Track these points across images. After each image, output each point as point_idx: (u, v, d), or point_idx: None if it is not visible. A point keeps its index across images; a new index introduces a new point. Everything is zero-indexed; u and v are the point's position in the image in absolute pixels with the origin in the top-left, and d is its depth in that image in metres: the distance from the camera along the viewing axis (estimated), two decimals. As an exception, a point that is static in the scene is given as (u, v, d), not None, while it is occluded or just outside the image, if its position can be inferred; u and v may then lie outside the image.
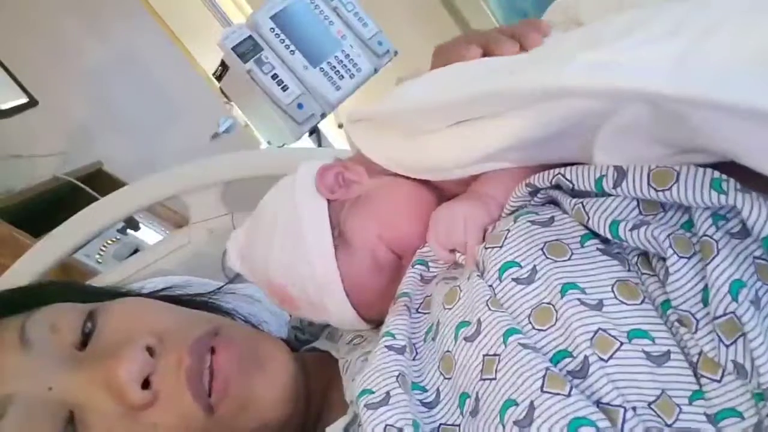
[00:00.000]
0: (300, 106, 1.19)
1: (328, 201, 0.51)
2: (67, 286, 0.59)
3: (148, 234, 1.56)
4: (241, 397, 0.44)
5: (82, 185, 1.47)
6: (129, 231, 1.48)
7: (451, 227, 0.46)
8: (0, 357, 0.42)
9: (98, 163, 1.68)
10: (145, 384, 0.41)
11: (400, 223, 0.50)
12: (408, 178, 0.51)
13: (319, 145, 1.46)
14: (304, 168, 0.55)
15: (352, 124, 0.53)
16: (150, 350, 0.43)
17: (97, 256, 1.35)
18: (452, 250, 0.46)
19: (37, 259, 0.87)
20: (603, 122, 0.37)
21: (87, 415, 0.41)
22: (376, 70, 1.30)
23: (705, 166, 0.36)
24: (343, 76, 1.25)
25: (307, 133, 1.32)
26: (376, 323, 0.52)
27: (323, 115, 1.26)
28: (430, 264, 0.48)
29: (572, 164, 0.42)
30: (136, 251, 1.47)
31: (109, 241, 1.42)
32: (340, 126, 1.70)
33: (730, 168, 0.35)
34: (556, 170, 0.42)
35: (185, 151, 2.03)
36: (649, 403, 0.33)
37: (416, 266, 0.48)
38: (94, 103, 1.92)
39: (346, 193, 0.52)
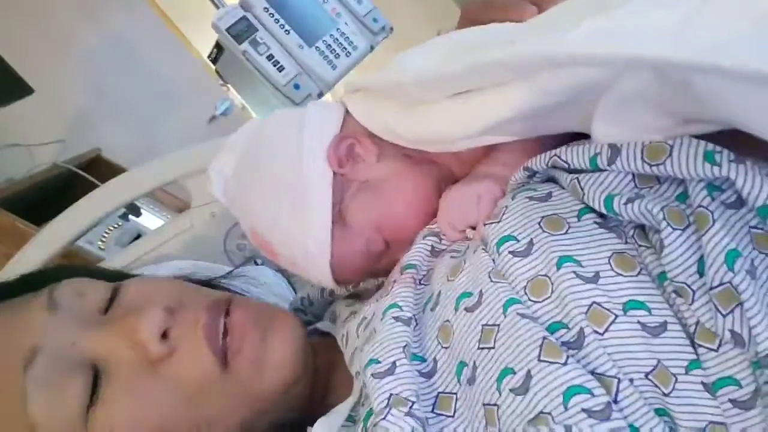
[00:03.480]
0: (296, 86, 1.18)
1: (334, 173, 0.51)
2: (86, 268, 0.61)
3: (149, 219, 1.56)
4: (255, 356, 0.45)
5: (82, 172, 1.46)
6: (131, 217, 1.49)
7: (464, 208, 0.46)
8: (29, 316, 0.44)
9: (97, 149, 1.68)
10: (164, 338, 0.43)
11: (401, 218, 0.51)
12: (413, 166, 0.51)
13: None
14: (312, 115, 0.53)
15: (350, 94, 0.52)
16: (169, 310, 0.44)
17: (100, 243, 1.35)
18: (463, 231, 0.47)
19: (40, 248, 0.87)
20: (606, 91, 0.37)
21: (109, 367, 0.42)
22: (372, 48, 1.29)
23: (701, 137, 0.35)
24: (339, 55, 1.23)
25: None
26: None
27: (320, 95, 1.25)
28: (442, 237, 0.49)
29: (573, 138, 0.42)
30: (138, 237, 1.48)
31: (111, 228, 1.42)
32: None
33: (729, 139, 0.34)
34: (552, 152, 0.42)
35: (183, 135, 2.03)
36: (647, 374, 0.33)
37: (427, 238, 0.48)
38: (90, 90, 1.91)
39: (352, 170, 0.51)
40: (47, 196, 1.42)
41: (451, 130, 0.44)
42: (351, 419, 0.42)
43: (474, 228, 0.46)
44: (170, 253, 0.95)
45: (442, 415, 0.37)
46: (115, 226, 1.42)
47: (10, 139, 1.55)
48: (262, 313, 0.48)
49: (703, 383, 0.32)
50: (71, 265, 0.65)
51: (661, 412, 0.33)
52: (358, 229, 0.50)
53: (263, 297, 0.68)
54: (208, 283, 0.61)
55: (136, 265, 0.91)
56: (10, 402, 0.40)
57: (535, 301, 0.37)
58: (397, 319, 0.41)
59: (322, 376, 0.52)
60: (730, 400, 0.31)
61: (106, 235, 1.38)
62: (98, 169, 1.55)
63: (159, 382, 0.42)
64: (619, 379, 0.33)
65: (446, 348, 0.39)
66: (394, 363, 0.38)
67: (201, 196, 0.97)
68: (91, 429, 0.40)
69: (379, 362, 0.38)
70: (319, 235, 0.49)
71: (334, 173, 0.51)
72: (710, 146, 0.35)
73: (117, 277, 0.54)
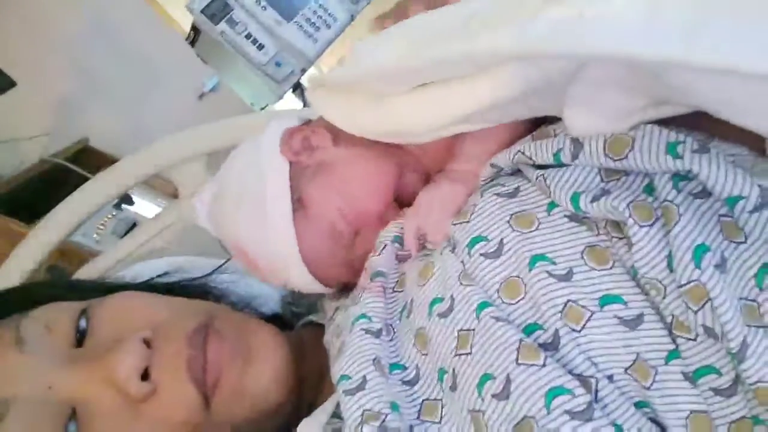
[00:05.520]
0: (278, 64, 1.16)
1: (291, 164, 0.50)
2: (56, 284, 0.60)
3: (143, 206, 1.56)
4: (234, 388, 0.44)
5: (71, 165, 1.45)
6: (124, 206, 1.48)
7: (437, 215, 0.45)
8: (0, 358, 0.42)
9: (84, 139, 1.66)
10: (145, 376, 0.42)
11: (361, 199, 0.49)
12: (372, 147, 0.50)
13: (303, 102, 1.43)
14: (272, 128, 0.53)
15: (314, 90, 0.51)
16: (146, 342, 0.43)
17: (95, 236, 1.35)
18: (421, 240, 0.46)
19: (35, 246, 0.86)
20: (573, 78, 0.36)
21: (89, 411, 0.41)
22: (352, 17, 1.26)
23: (668, 121, 0.35)
24: (319, 28, 1.20)
25: (291, 90, 1.29)
26: (339, 287, 0.53)
27: (303, 71, 1.23)
28: (404, 242, 0.47)
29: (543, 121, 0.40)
30: (134, 225, 1.47)
31: (106, 218, 1.42)
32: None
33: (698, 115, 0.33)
34: (516, 148, 0.41)
35: (173, 115, 2.00)
36: (626, 369, 0.33)
37: (392, 244, 0.47)
38: (73, 77, 1.88)
39: (309, 158, 0.51)
40: (37, 192, 1.41)
41: (417, 124, 0.42)
42: (338, 416, 0.42)
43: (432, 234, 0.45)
44: (166, 242, 0.94)
45: (428, 421, 0.37)
46: (109, 216, 1.42)
47: (-3, 135, 1.53)
48: (241, 336, 0.47)
49: (683, 373, 0.32)
50: (41, 282, 0.64)
51: (641, 405, 0.32)
52: (319, 214, 0.49)
53: (253, 288, 0.67)
54: (191, 287, 0.60)
55: (131, 261, 0.90)
56: None
57: (509, 304, 0.36)
58: (366, 331, 0.41)
59: (316, 369, 0.51)
60: (711, 389, 0.31)
61: (101, 227, 1.37)
62: (87, 159, 1.53)
63: (142, 423, 0.42)
64: (596, 379, 0.32)
65: (425, 355, 0.39)
66: (364, 377, 0.38)
67: (191, 185, 0.95)
68: None
69: (350, 378, 0.38)
70: (281, 227, 0.48)
71: (291, 164, 0.50)
72: (673, 136, 0.34)
73: (87, 290, 0.53)
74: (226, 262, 0.71)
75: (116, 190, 0.91)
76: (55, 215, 0.89)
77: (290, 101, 1.53)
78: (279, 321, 0.63)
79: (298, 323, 0.62)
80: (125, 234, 1.48)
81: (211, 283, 0.65)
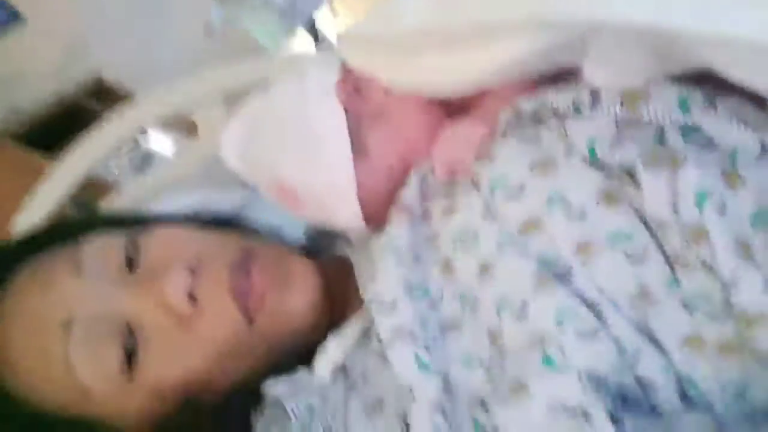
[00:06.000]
0: (293, 4, 1.16)
1: (345, 110, 0.53)
2: (103, 216, 0.65)
3: (156, 138, 1.57)
4: (275, 310, 0.49)
5: (86, 100, 1.47)
6: (140, 139, 1.50)
7: (459, 149, 0.48)
8: (60, 283, 0.47)
9: (98, 74, 1.66)
10: (191, 299, 0.46)
11: (419, 143, 0.52)
12: (417, 96, 0.52)
13: (316, 41, 1.42)
14: (313, 74, 0.55)
15: (347, 44, 0.53)
16: (192, 269, 0.47)
17: (114, 169, 1.38)
18: (453, 170, 0.49)
19: (60, 180, 0.88)
20: (593, 35, 0.39)
21: (143, 327, 0.46)
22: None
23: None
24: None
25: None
26: (376, 226, 0.55)
27: (317, 9, 1.23)
28: (429, 176, 0.51)
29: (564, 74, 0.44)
30: (150, 158, 1.51)
31: (123, 152, 1.44)
32: (335, 15, 1.64)
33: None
34: (538, 96, 0.45)
35: (182, 47, 1.98)
36: (630, 297, 0.37)
37: (417, 178, 0.51)
38: (82, 11, 1.86)
39: (362, 105, 0.53)
40: (53, 126, 1.43)
41: (447, 80, 0.46)
42: (364, 333, 0.47)
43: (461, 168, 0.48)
44: (188, 174, 0.96)
45: (450, 336, 0.42)
46: (125, 150, 1.44)
47: (9, 71, 1.53)
48: (279, 265, 0.51)
49: (681, 301, 0.37)
50: (86, 217, 0.67)
51: (642, 328, 0.37)
52: (379, 158, 0.52)
53: (276, 220, 0.71)
54: (225, 223, 0.64)
55: (154, 195, 0.92)
56: (60, 369, 0.44)
57: (527, 239, 0.40)
58: (396, 258, 0.45)
59: (340, 296, 0.56)
60: (705, 314, 0.36)
61: (118, 160, 1.40)
62: (101, 94, 1.54)
63: (192, 340, 0.46)
64: (603, 305, 0.37)
65: (450, 281, 0.43)
66: (395, 300, 0.42)
67: (209, 122, 0.97)
68: (136, 387, 0.45)
69: (383, 300, 0.43)
70: (344, 168, 0.51)
71: (346, 111, 0.52)
72: (684, 92, 0.38)
73: (132, 220, 0.57)
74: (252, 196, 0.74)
75: (141, 123, 0.93)
76: (78, 149, 0.91)
77: (304, 39, 1.53)
78: (305, 251, 0.67)
79: (321, 254, 0.66)
80: (142, 167, 1.52)
81: (240, 216, 0.68)
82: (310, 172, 0.53)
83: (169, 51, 1.97)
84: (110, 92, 1.62)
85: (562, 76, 0.46)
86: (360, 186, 0.52)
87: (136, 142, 1.52)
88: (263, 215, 0.71)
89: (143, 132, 1.53)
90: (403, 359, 0.40)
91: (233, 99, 0.93)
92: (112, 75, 1.70)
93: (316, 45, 1.46)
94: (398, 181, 0.53)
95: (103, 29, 1.88)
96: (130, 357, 0.45)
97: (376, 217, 0.54)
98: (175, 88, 0.94)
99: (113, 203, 0.90)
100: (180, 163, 0.99)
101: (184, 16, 2.09)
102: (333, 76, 0.54)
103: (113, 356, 0.44)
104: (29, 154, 1.30)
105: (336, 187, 0.52)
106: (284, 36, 1.19)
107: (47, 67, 1.63)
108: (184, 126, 1.62)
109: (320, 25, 1.56)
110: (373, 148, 0.52)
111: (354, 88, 0.53)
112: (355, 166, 0.52)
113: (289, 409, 0.44)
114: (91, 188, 1.27)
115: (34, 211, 0.85)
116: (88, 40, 1.82)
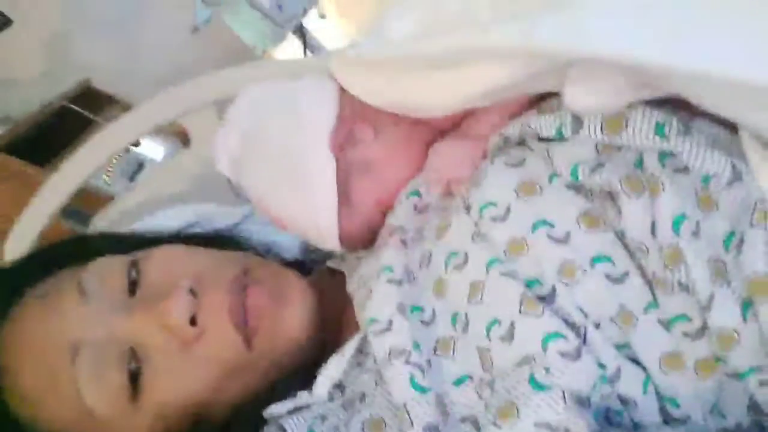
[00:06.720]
0: (280, 7, 1.17)
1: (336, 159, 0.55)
2: (105, 237, 0.66)
3: (148, 146, 1.57)
4: (272, 329, 0.50)
5: (76, 107, 1.47)
6: (131, 147, 1.50)
7: (451, 164, 0.51)
8: (65, 308, 0.48)
9: (86, 80, 1.65)
10: (192, 322, 0.48)
11: (399, 185, 0.55)
12: (406, 130, 0.55)
13: (305, 43, 1.43)
14: (308, 88, 0.57)
15: (341, 65, 0.55)
16: (192, 292, 0.49)
17: (106, 177, 1.38)
18: (447, 184, 0.51)
19: (56, 191, 0.88)
20: (574, 64, 0.41)
21: (147, 350, 0.47)
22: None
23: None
24: (319, -31, 1.20)
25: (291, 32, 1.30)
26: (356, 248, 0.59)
27: (305, 11, 1.24)
28: (422, 193, 0.53)
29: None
30: (141, 166, 1.51)
31: (114, 160, 1.44)
32: (323, 17, 1.65)
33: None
34: (522, 121, 0.47)
35: (168, 49, 1.97)
36: (611, 317, 0.39)
37: (410, 197, 0.53)
38: (68, 12, 1.84)
39: (353, 152, 0.56)
40: (43, 135, 1.42)
41: (434, 101, 0.47)
42: (360, 351, 0.48)
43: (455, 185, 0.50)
44: (181, 191, 0.97)
45: (442, 356, 0.43)
46: (117, 158, 1.44)
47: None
48: (275, 282, 0.53)
49: (659, 320, 0.39)
50: (88, 237, 0.68)
51: (623, 347, 0.39)
52: (362, 207, 0.55)
53: (271, 235, 0.72)
54: (223, 239, 0.65)
55: (151, 207, 0.92)
56: (68, 394, 0.45)
57: (514, 261, 0.42)
58: (390, 280, 0.47)
59: (335, 312, 0.57)
60: (683, 333, 0.38)
61: (110, 169, 1.40)
62: (90, 100, 1.54)
63: (194, 362, 0.48)
64: (586, 326, 0.39)
65: (442, 300, 0.45)
66: (390, 321, 0.44)
67: (202, 132, 0.97)
68: (141, 409, 0.46)
69: (378, 321, 0.44)
70: (328, 216, 0.54)
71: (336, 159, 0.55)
72: (661, 118, 0.41)
73: (132, 243, 0.58)
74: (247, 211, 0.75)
75: (136, 134, 0.93)
76: (74, 161, 0.90)
77: (291, 42, 1.53)
78: (299, 266, 0.69)
79: (316, 268, 0.68)
80: (133, 175, 1.52)
81: (236, 231, 0.70)
82: (296, 211, 0.56)
83: (157, 54, 1.96)
84: (98, 96, 1.61)
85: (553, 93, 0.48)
86: (342, 229, 0.55)
87: (126, 149, 1.52)
88: (262, 230, 0.72)
89: (135, 143, 1.53)
90: (398, 379, 0.41)
91: (225, 105, 0.94)
92: (99, 79, 1.69)
93: (304, 48, 1.46)
94: (374, 223, 0.56)
95: (91, 32, 1.87)
96: (135, 380, 0.46)
97: (355, 245, 0.58)
98: (171, 95, 0.93)
99: (108, 215, 0.90)
100: (173, 172, 0.99)
101: (170, 19, 2.08)
102: (328, 116, 0.56)
103: (118, 380, 0.46)
104: (25, 166, 1.30)
105: (319, 228, 0.55)
106: (271, 38, 1.19)
107: (33, 72, 1.62)
108: (171, 131, 1.62)
109: (308, 27, 1.56)
110: (355, 196, 0.55)
111: (347, 136, 0.56)
112: (339, 213, 0.54)
113: (288, 429, 0.45)
114: (83, 196, 1.27)
115: (31, 221, 0.85)
116: (73, 44, 1.81)
